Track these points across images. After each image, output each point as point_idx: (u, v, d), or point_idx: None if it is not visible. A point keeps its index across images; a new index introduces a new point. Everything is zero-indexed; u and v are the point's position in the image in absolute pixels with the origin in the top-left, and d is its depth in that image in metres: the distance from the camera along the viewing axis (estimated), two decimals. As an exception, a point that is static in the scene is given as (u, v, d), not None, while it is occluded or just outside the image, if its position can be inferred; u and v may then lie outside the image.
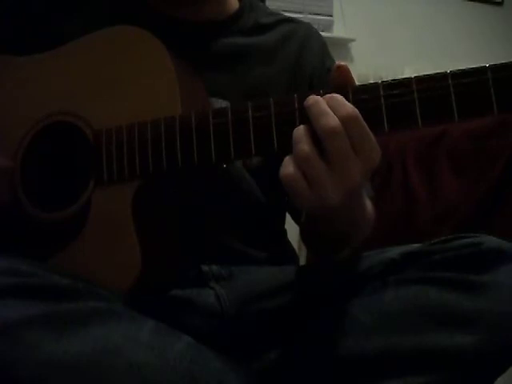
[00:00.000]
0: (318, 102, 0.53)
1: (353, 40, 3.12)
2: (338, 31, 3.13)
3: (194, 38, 0.79)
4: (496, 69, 0.49)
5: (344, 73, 0.54)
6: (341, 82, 0.54)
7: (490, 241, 0.61)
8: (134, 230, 0.61)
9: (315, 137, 0.52)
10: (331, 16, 3.12)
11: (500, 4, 3.55)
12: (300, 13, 2.95)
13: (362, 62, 3.09)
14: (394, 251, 0.66)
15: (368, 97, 0.53)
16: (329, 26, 3.12)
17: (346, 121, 0.51)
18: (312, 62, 0.86)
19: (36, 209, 0.68)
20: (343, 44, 3.11)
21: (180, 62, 0.66)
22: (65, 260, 0.63)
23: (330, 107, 0.52)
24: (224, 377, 0.54)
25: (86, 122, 0.66)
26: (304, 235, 0.72)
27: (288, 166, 0.52)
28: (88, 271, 0.59)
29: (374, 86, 0.53)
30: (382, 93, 0.52)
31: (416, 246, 0.65)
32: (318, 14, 3.08)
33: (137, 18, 0.70)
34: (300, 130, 0.53)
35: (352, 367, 0.59)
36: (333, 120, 0.51)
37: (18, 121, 0.71)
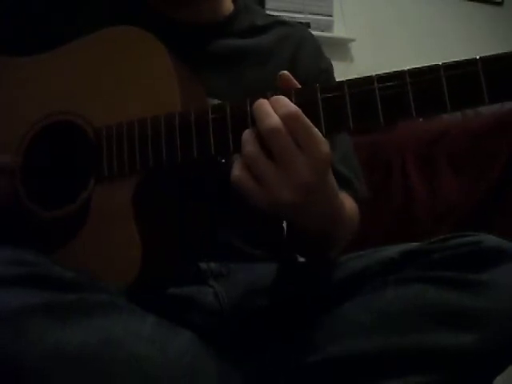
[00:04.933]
0: (260, 104, 0.55)
1: (353, 40, 3.12)
2: (338, 31, 3.13)
3: (190, 39, 0.80)
4: (486, 60, 0.51)
5: (286, 79, 0.58)
6: (284, 88, 0.57)
7: (489, 239, 0.61)
8: (134, 225, 0.62)
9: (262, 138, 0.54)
10: (331, 16, 3.12)
11: (500, 4, 3.56)
12: (300, 13, 2.95)
13: (361, 61, 3.09)
14: (393, 250, 0.66)
15: (362, 90, 0.54)
16: (329, 26, 3.13)
17: (286, 119, 0.54)
18: (307, 64, 0.87)
19: (37, 207, 0.68)
20: (343, 44, 3.11)
21: (179, 62, 0.66)
22: (65, 257, 0.63)
23: (273, 108, 0.54)
24: (225, 372, 0.54)
25: (87, 121, 0.67)
26: (289, 240, 0.74)
27: (236, 169, 0.55)
28: (89, 267, 0.59)
29: (368, 79, 0.54)
30: (376, 85, 0.54)
31: (415, 244, 0.65)
32: (318, 14, 3.08)
33: (135, 19, 0.70)
34: (247, 133, 0.56)
35: (352, 367, 0.59)
36: (273, 120, 0.54)
37: (18, 121, 0.71)
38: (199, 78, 0.70)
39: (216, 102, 0.73)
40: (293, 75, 0.84)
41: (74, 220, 0.65)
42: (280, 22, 0.90)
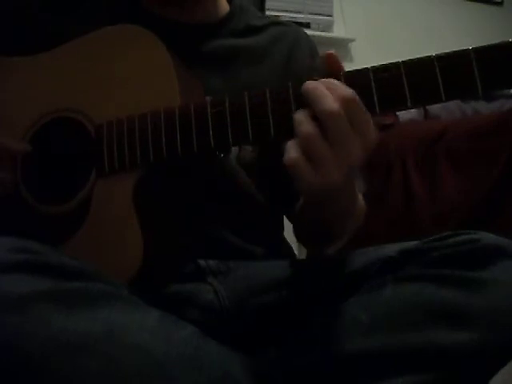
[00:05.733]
0: (317, 86, 0.55)
1: (353, 40, 3.12)
2: (338, 31, 3.13)
3: (186, 40, 0.80)
4: (479, 50, 0.52)
5: (334, 61, 0.58)
6: (332, 70, 0.58)
7: (488, 237, 0.61)
8: (135, 219, 0.62)
9: (314, 119, 0.55)
10: (331, 16, 3.12)
11: (500, 4, 3.56)
12: (300, 13, 2.95)
13: (361, 62, 3.09)
14: (392, 248, 0.66)
15: (359, 81, 0.55)
16: (329, 26, 3.12)
17: (345, 102, 0.54)
18: (302, 63, 0.88)
19: (39, 203, 0.69)
20: (343, 44, 3.11)
21: (178, 59, 0.67)
22: (66, 252, 0.63)
23: (329, 90, 0.55)
24: (228, 364, 0.54)
25: (88, 118, 0.67)
26: (297, 229, 0.75)
27: (291, 150, 0.55)
28: (91, 261, 0.60)
29: (364, 71, 0.56)
30: (371, 77, 0.55)
31: (414, 243, 0.65)
32: (318, 14, 3.08)
33: (131, 19, 0.71)
34: (300, 113, 0.55)
35: (351, 366, 0.59)
36: (334, 102, 0.54)
37: (18, 120, 0.72)
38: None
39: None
40: (288, 75, 0.85)
41: (74, 215, 0.66)
42: (275, 23, 0.91)
